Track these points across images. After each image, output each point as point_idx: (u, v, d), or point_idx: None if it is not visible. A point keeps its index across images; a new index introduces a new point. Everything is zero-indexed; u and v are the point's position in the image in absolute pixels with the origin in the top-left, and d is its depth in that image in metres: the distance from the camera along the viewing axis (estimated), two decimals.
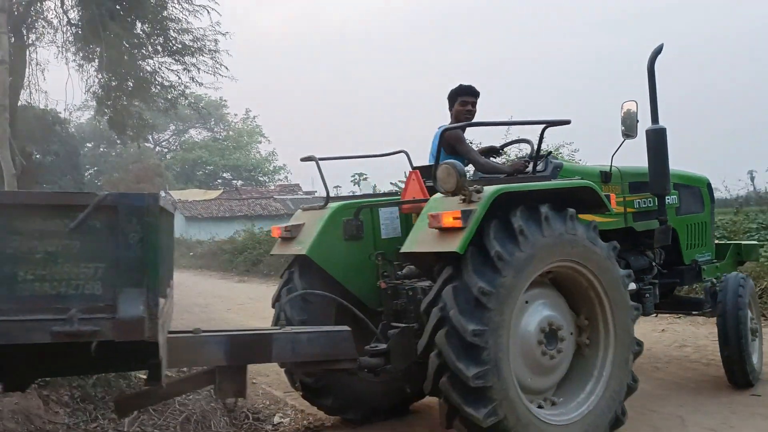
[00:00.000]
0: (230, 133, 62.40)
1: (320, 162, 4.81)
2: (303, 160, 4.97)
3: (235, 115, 62.95)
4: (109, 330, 2.76)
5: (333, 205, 4.75)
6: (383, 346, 4.10)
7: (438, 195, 3.96)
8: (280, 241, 4.81)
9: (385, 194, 6.62)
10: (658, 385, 5.34)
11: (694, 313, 5.73)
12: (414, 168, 4.83)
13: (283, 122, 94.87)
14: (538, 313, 3.86)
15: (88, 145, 55.48)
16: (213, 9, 13.27)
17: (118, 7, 12.47)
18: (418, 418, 4.94)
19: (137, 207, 2.81)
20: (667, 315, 8.31)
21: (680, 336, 7.11)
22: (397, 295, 4.40)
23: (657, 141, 4.97)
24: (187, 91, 15.26)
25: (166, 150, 62.42)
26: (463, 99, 5.03)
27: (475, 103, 5.09)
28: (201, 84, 14.68)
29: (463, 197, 3.67)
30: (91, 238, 2.78)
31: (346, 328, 3.97)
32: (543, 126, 4.38)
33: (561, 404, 3.96)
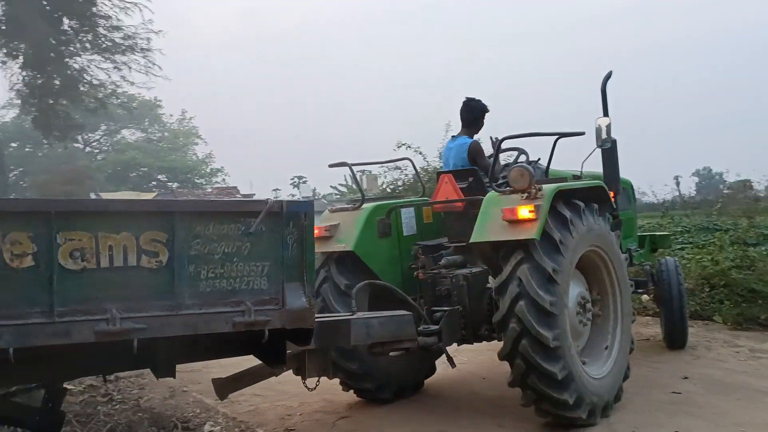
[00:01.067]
0: (165, 134, 60.85)
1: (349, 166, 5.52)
2: (332, 166, 5.59)
3: (171, 115, 61.48)
4: (278, 320, 3.36)
5: (367, 206, 5.38)
6: (434, 327, 4.73)
7: (493, 194, 4.68)
8: (317, 240, 4.95)
9: (390, 196, 7.42)
10: None
11: (639, 291, 6.85)
12: (441, 172, 5.75)
13: (220, 124, 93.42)
14: (574, 288, 4.67)
15: (13, 144, 53.05)
16: (145, 6, 12.95)
17: (44, 2, 12.01)
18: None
19: (296, 213, 3.41)
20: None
21: None
22: (437, 283, 5.06)
23: (610, 150, 5.78)
24: (119, 90, 14.84)
25: (97, 151, 60.35)
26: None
27: None
28: (133, 83, 14.32)
29: (528, 194, 4.37)
30: (259, 240, 3.33)
31: (407, 312, 4.43)
32: (556, 137, 5.10)
33: (589, 363, 4.73)
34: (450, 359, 5.00)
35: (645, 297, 8.54)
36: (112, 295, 3.01)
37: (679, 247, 12.80)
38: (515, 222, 4.33)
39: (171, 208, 3.31)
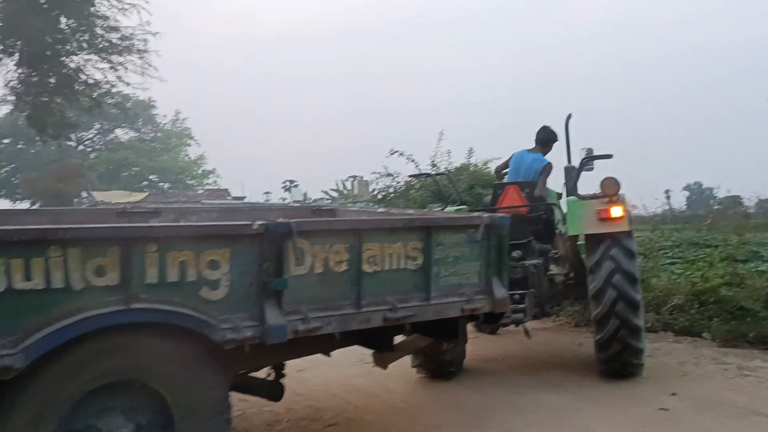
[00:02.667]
0: (158, 134, 60.70)
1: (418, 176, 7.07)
2: (414, 176, 6.92)
3: (164, 116, 61.38)
4: (488, 306, 4.35)
5: (450, 208, 6.99)
6: (521, 305, 5.93)
7: (575, 199, 6.18)
8: None
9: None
10: (573, 399, 5.49)
11: None
12: (509, 183, 7.00)
13: (213, 125, 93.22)
14: None
15: (6, 141, 52.83)
16: (143, 8, 12.93)
17: (42, 0, 11.98)
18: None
19: (498, 225, 4.40)
20: (585, 330, 8.61)
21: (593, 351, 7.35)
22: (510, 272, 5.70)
23: (570, 175, 6.87)
24: (114, 90, 14.78)
25: (89, 149, 60.11)
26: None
27: None
28: (128, 84, 14.27)
29: (612, 200, 5.86)
30: (475, 246, 4.30)
31: (532, 290, 6.11)
32: (582, 158, 6.59)
33: None
34: (527, 332, 6.17)
35: None
36: (391, 290, 3.97)
37: (668, 261, 12.86)
38: (608, 219, 5.83)
39: (428, 223, 4.26)
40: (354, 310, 3.80)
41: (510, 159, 7.38)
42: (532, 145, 7.30)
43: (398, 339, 4.87)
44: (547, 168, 7.05)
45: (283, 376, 4.46)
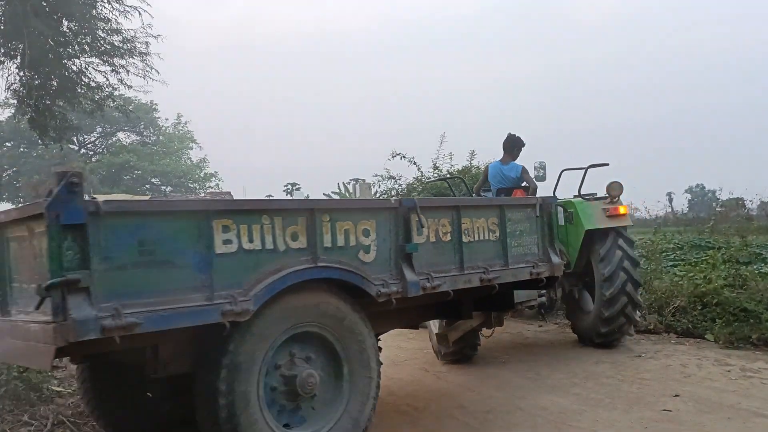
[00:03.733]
0: (160, 137, 60.70)
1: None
2: (447, 179, 7.75)
3: (166, 119, 61.32)
4: (548, 271, 5.48)
5: None
6: (543, 291, 7.08)
7: (580, 200, 7.52)
8: None
9: None
10: (575, 401, 5.49)
11: None
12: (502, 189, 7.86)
13: (215, 129, 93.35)
14: None
15: (8, 144, 52.86)
16: (145, 11, 12.90)
17: (43, 3, 11.97)
18: None
19: (548, 204, 5.63)
20: None
21: (598, 352, 7.34)
22: None
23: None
24: (116, 93, 14.74)
25: (91, 153, 60.14)
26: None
27: None
28: (130, 87, 14.23)
29: (614, 200, 7.34)
30: (533, 221, 5.45)
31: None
32: (585, 167, 7.68)
33: None
34: (544, 317, 8.36)
35: (636, 313, 8.56)
36: (482, 257, 4.95)
37: (671, 263, 12.84)
38: (616, 215, 7.27)
39: (502, 203, 5.61)
40: (459, 273, 4.73)
41: (486, 174, 8.17)
42: (502, 155, 8.08)
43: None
44: (524, 170, 7.83)
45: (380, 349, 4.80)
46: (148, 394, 4.69)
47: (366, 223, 4.19)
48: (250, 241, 3.59)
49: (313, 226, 3.87)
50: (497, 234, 5.12)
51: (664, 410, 5.15)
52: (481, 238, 4.98)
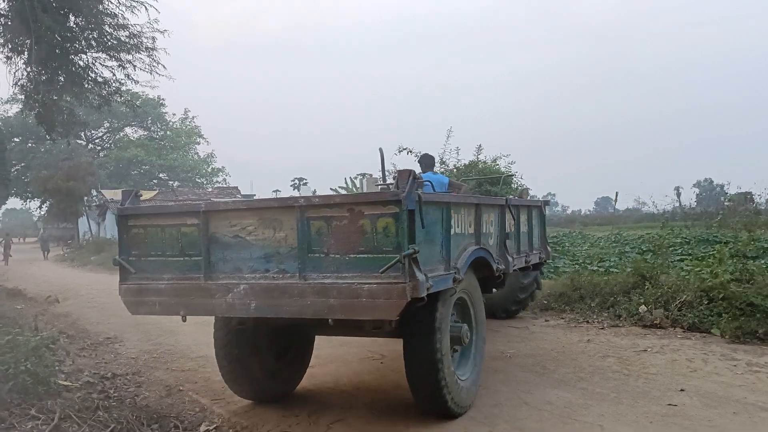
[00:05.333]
0: (168, 132, 60.91)
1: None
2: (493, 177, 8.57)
3: (174, 114, 61.63)
4: (546, 256, 8.06)
5: None
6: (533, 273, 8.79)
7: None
8: None
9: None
10: (582, 395, 5.48)
11: None
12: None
13: (222, 124, 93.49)
14: None
15: (16, 139, 53.15)
16: (151, 6, 12.93)
17: None
18: None
19: (543, 204, 8.07)
20: (595, 325, 8.59)
21: (604, 347, 7.33)
22: None
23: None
24: (123, 88, 14.79)
25: (99, 148, 60.40)
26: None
27: None
28: (137, 82, 14.30)
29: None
30: (539, 218, 7.76)
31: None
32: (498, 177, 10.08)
33: None
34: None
35: (643, 308, 8.55)
36: (523, 245, 6.77)
37: (678, 258, 12.79)
38: None
39: (532, 204, 7.51)
40: (518, 255, 6.47)
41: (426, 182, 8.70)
42: (421, 168, 8.76)
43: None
44: (452, 182, 8.54)
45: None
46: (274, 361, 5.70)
47: (492, 216, 5.73)
48: (458, 226, 4.84)
49: (479, 217, 5.29)
50: (527, 228, 7.01)
51: (670, 405, 5.14)
52: (524, 230, 6.80)
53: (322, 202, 4.24)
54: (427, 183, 7.08)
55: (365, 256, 4.03)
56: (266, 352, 5.57)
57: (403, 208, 3.94)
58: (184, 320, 4.69)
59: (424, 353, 4.65)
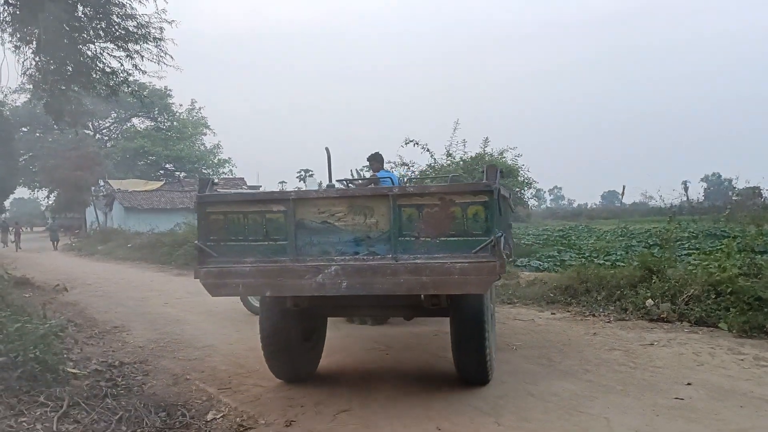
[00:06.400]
0: (174, 123, 60.93)
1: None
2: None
3: (180, 105, 61.61)
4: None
5: None
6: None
7: None
8: None
9: None
10: (587, 387, 5.49)
11: None
12: None
13: (230, 116, 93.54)
14: None
15: (24, 129, 53.27)
16: None
17: None
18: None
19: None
20: (601, 318, 8.59)
21: (610, 339, 7.33)
22: None
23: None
24: (130, 78, 14.79)
25: (106, 138, 60.53)
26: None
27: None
28: (144, 72, 14.29)
29: None
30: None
31: None
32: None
33: None
34: None
35: (650, 302, 8.53)
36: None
37: (685, 252, 12.76)
38: None
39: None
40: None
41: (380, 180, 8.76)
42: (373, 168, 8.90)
43: None
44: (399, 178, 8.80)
45: None
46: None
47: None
48: (500, 211, 4.86)
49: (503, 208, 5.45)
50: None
51: (677, 398, 5.14)
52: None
53: (416, 191, 4.78)
54: (388, 179, 7.42)
55: (455, 239, 4.57)
56: (301, 335, 5.88)
57: (494, 198, 4.53)
58: (266, 299, 5.46)
59: (476, 327, 5.24)
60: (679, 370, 5.97)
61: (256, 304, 7.98)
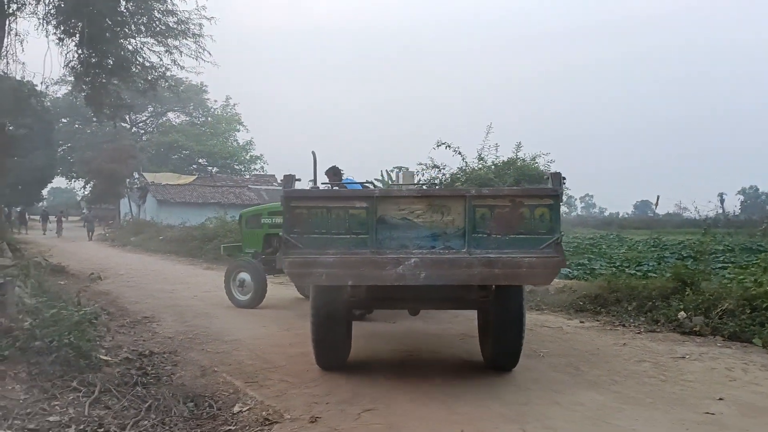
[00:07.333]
0: (209, 119, 61.64)
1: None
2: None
3: (215, 101, 62.28)
4: None
5: None
6: None
7: None
8: None
9: None
10: (615, 399, 5.41)
11: None
12: None
13: (263, 112, 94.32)
14: None
15: (63, 120, 54.37)
16: None
17: None
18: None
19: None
20: (631, 329, 8.46)
21: (640, 351, 7.22)
22: None
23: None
24: (168, 73, 15.06)
25: (142, 131, 61.47)
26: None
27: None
28: (182, 67, 14.54)
29: None
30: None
31: None
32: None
33: None
34: None
35: (682, 314, 8.39)
36: None
37: (719, 265, 12.51)
38: None
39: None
40: None
41: (346, 186, 9.30)
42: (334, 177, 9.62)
43: None
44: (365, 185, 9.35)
45: None
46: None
47: None
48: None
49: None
50: None
51: (707, 413, 5.04)
52: None
53: (490, 193, 5.41)
54: (356, 184, 8.59)
55: (523, 236, 5.15)
56: (345, 326, 6.29)
57: (558, 201, 5.16)
58: (349, 288, 5.83)
59: (517, 315, 5.88)
60: (710, 385, 5.86)
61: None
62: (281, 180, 9.14)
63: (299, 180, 6.02)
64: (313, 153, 8.59)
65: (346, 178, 9.63)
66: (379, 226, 5.26)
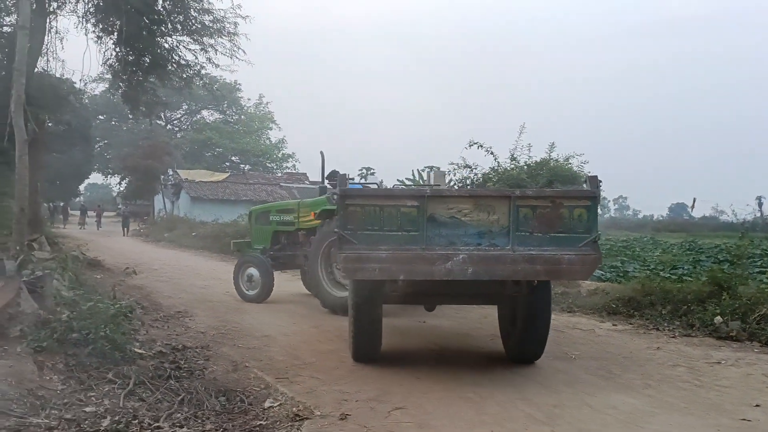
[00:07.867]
0: (242, 117, 62.31)
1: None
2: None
3: (249, 99, 62.94)
4: None
5: None
6: None
7: None
8: None
9: None
10: (648, 403, 5.33)
11: None
12: None
13: (295, 111, 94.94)
14: None
15: (101, 117, 55.47)
16: None
17: None
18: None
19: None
20: (665, 333, 8.32)
21: (674, 355, 7.10)
22: None
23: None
24: (203, 71, 15.25)
25: (177, 129, 62.40)
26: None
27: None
28: (217, 66, 14.69)
29: None
30: None
31: None
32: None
33: None
34: None
35: (718, 319, 8.22)
36: None
37: (758, 270, 12.23)
38: None
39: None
40: None
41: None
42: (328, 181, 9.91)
43: None
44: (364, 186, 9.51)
45: None
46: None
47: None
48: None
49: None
50: None
51: (743, 419, 4.93)
52: None
53: (534, 194, 5.71)
54: (358, 185, 8.87)
55: (563, 235, 5.45)
56: (381, 320, 6.51)
57: (596, 203, 5.53)
58: (399, 283, 6.01)
59: (546, 309, 6.29)
60: (747, 391, 5.73)
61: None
62: (327, 179, 9.40)
63: (373, 173, 6.34)
64: (322, 153, 8.69)
65: (352, 182, 9.71)
66: (429, 223, 5.47)
